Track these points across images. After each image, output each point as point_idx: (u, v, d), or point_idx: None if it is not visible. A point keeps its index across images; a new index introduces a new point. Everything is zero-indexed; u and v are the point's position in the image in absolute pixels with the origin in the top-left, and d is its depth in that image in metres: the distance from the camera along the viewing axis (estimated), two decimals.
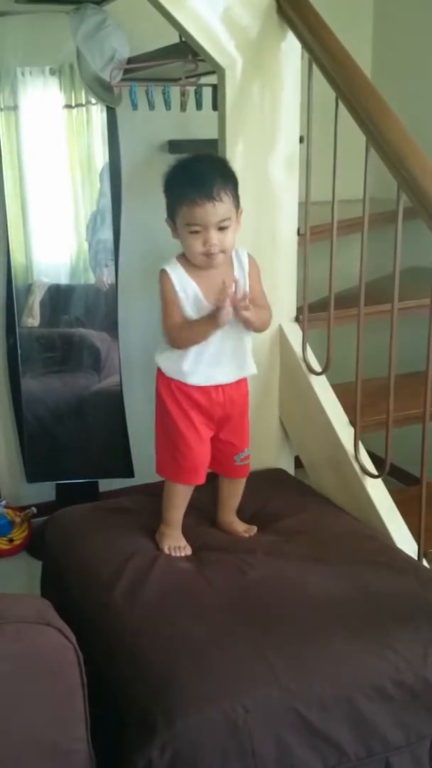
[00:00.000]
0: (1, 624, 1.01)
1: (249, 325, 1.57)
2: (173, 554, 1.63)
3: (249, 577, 1.53)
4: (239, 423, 1.70)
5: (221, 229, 1.50)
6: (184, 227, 1.51)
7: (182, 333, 1.57)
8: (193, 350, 1.58)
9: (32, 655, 1.03)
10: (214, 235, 1.50)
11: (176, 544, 1.64)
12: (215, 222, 1.49)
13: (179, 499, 1.67)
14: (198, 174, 1.51)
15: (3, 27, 2.37)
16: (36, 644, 1.03)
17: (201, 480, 1.67)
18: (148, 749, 1.17)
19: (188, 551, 1.64)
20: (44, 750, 1.07)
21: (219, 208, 1.48)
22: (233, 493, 1.76)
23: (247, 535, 1.72)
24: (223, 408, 1.64)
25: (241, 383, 1.68)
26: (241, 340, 1.63)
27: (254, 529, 1.75)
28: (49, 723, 1.07)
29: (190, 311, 1.58)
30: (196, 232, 1.50)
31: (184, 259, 1.58)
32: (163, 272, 1.58)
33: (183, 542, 1.65)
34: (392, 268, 1.64)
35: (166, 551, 1.63)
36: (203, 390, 1.61)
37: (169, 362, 1.62)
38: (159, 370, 1.65)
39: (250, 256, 1.64)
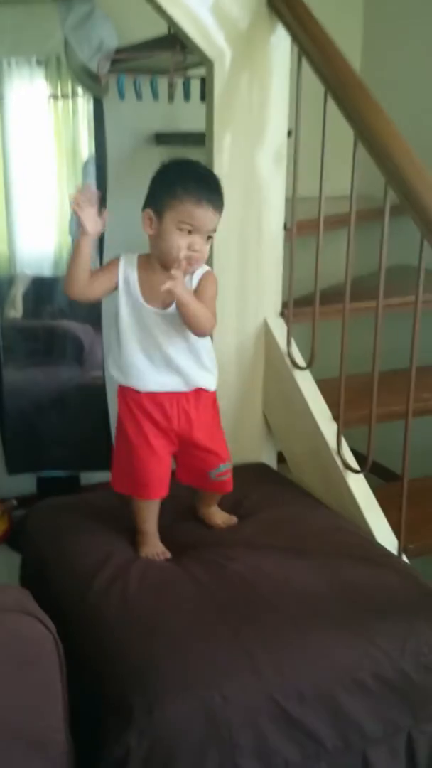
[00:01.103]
0: None
1: (180, 305, 1.47)
2: (151, 558, 1.60)
3: (229, 569, 1.53)
4: (210, 438, 1.63)
5: (207, 238, 1.49)
6: (174, 223, 1.47)
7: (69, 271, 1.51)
8: (131, 353, 1.55)
9: (11, 643, 1.03)
10: (201, 241, 1.48)
11: (154, 551, 1.61)
12: (207, 230, 1.48)
13: (146, 512, 1.63)
14: (210, 178, 1.52)
15: None
16: (15, 633, 1.03)
17: (158, 495, 1.62)
18: (125, 737, 1.16)
19: (167, 556, 1.61)
20: (22, 739, 1.07)
21: (215, 218, 1.48)
22: (211, 497, 1.74)
23: (224, 526, 1.71)
24: (180, 424, 1.58)
25: (202, 397, 1.60)
26: (185, 347, 1.55)
27: (234, 519, 1.74)
28: (28, 712, 1.06)
29: (125, 307, 1.54)
30: (186, 231, 1.47)
31: (145, 258, 1.55)
32: (117, 257, 1.56)
33: (161, 548, 1.62)
34: (378, 264, 1.64)
35: (143, 557, 1.60)
36: (156, 402, 1.56)
37: (114, 366, 1.59)
38: (118, 385, 1.61)
39: (210, 273, 1.57)
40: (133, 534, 1.66)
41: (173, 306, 1.51)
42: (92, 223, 1.47)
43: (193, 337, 1.54)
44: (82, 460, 2.70)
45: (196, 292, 1.52)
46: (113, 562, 1.55)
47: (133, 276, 1.54)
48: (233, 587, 1.47)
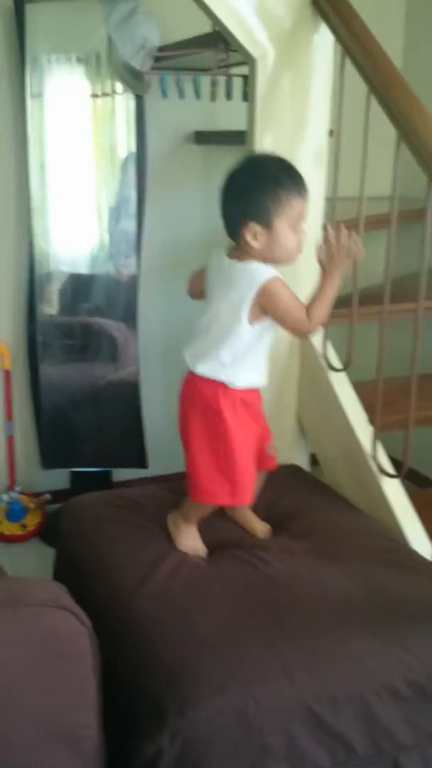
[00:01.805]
0: (19, 607, 1.00)
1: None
2: (188, 551, 1.60)
3: (262, 572, 1.52)
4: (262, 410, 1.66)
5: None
6: (289, 226, 1.45)
7: (314, 314, 1.50)
8: (262, 349, 1.55)
9: (48, 639, 1.03)
10: (302, 232, 1.50)
11: (193, 546, 1.60)
12: (302, 218, 1.49)
13: (207, 512, 1.63)
14: (293, 168, 1.49)
15: (33, 13, 2.37)
16: (52, 628, 1.03)
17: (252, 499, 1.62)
18: (158, 737, 1.17)
19: (203, 554, 1.60)
20: (55, 734, 1.07)
21: (306, 205, 1.50)
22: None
23: (262, 536, 1.69)
24: (259, 409, 1.62)
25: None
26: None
27: (268, 529, 1.71)
28: (62, 707, 1.07)
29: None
30: (295, 228, 1.47)
31: (256, 260, 1.50)
32: (277, 278, 1.48)
33: (200, 545, 1.61)
34: (418, 266, 1.62)
35: (180, 549, 1.60)
36: (255, 395, 1.59)
37: (244, 372, 1.53)
38: (215, 385, 1.52)
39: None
40: (165, 531, 1.66)
41: None
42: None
43: None
44: (114, 457, 2.72)
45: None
46: (146, 558, 1.55)
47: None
48: (267, 590, 1.46)
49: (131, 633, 1.37)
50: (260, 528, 1.71)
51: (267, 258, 1.49)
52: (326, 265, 1.50)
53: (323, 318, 1.52)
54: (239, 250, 1.50)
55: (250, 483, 1.58)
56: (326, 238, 1.49)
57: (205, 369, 1.53)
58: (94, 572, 1.59)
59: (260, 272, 1.47)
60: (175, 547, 1.60)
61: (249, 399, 1.57)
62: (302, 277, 1.94)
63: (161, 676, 1.25)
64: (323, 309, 1.51)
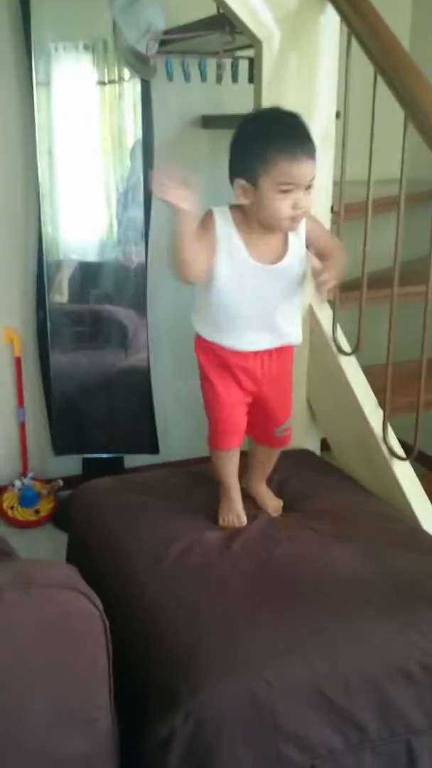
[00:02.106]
0: (31, 588, 1.01)
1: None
2: (229, 525, 1.62)
3: (274, 553, 1.52)
4: (281, 393, 1.64)
5: (308, 189, 1.39)
6: (274, 187, 1.36)
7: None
8: (225, 312, 1.51)
9: (60, 619, 1.04)
10: (305, 197, 1.38)
11: (232, 516, 1.63)
12: (307, 181, 1.38)
13: (223, 464, 1.63)
14: (297, 125, 1.39)
15: (39, 1, 2.36)
16: (64, 609, 1.04)
17: (233, 444, 1.63)
18: (171, 719, 1.17)
19: (243, 522, 1.62)
20: (68, 715, 1.09)
21: (313, 168, 1.38)
22: (265, 461, 1.73)
23: (275, 514, 1.70)
24: (263, 376, 1.58)
25: (282, 351, 1.60)
26: (287, 302, 1.53)
27: (281, 505, 1.73)
28: (75, 688, 1.08)
29: (225, 266, 1.46)
30: (287, 191, 1.36)
31: (239, 212, 1.45)
32: (209, 212, 1.43)
33: (238, 510, 1.63)
34: (428, 249, 1.61)
35: (221, 523, 1.62)
36: (240, 358, 1.56)
37: (203, 324, 1.57)
38: (197, 335, 1.59)
39: (307, 219, 1.49)
40: (175, 515, 1.67)
41: (285, 260, 1.48)
42: (185, 201, 1.32)
43: (297, 292, 1.53)
44: (126, 443, 2.73)
45: (310, 237, 1.49)
46: (157, 542, 1.56)
47: (234, 233, 1.45)
48: (279, 572, 1.46)
49: (143, 617, 1.38)
50: (272, 504, 1.72)
51: (258, 219, 1.43)
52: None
53: (173, 260, 1.42)
54: (236, 205, 1.45)
55: (224, 432, 1.61)
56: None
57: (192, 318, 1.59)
58: (105, 557, 1.60)
59: (212, 208, 1.45)
60: (187, 530, 1.61)
61: (228, 357, 1.55)
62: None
63: (173, 659, 1.25)
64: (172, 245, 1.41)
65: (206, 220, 1.45)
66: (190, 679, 1.20)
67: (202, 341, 1.58)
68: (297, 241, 1.50)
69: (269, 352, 1.57)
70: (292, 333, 1.59)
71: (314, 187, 1.43)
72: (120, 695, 1.18)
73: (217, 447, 1.64)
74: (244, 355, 1.56)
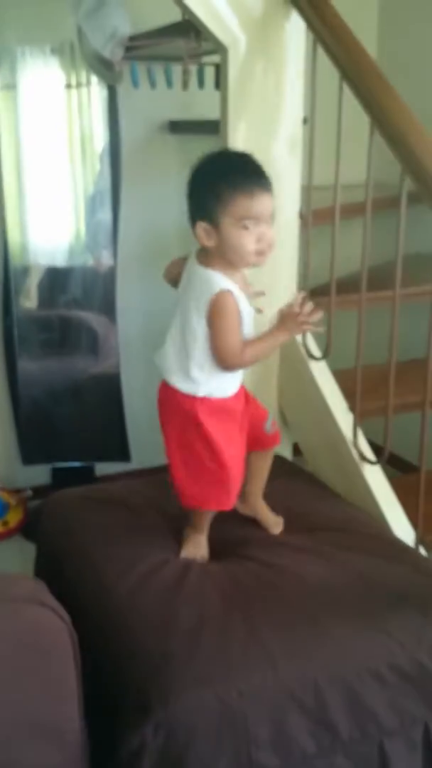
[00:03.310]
0: None
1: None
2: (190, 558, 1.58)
3: (244, 563, 1.52)
4: (251, 395, 1.63)
5: (268, 225, 1.40)
6: (235, 223, 1.37)
7: (248, 352, 1.44)
8: None
9: (27, 634, 1.03)
10: (267, 229, 1.39)
11: (197, 553, 1.58)
12: (267, 215, 1.39)
13: (207, 518, 1.60)
14: (252, 164, 1.41)
15: (4, 4, 2.34)
16: (30, 624, 1.03)
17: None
18: (141, 729, 1.16)
19: (204, 559, 1.57)
20: (38, 729, 1.07)
21: (269, 200, 1.39)
22: (261, 469, 1.68)
23: (277, 530, 1.66)
24: (244, 403, 1.58)
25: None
26: None
27: (281, 521, 1.68)
28: (44, 702, 1.07)
29: (246, 327, 1.46)
30: (247, 228, 1.37)
31: (219, 265, 1.43)
32: (227, 293, 1.41)
33: (203, 551, 1.59)
34: (395, 253, 1.62)
35: (183, 555, 1.57)
36: (237, 394, 1.54)
37: (212, 383, 1.47)
38: (191, 397, 1.48)
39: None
40: (147, 524, 1.66)
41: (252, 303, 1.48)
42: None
43: None
44: (96, 451, 2.71)
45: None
46: (127, 553, 1.55)
47: (240, 294, 1.45)
48: (248, 581, 1.46)
49: (113, 627, 1.37)
50: (274, 520, 1.68)
51: (225, 259, 1.42)
52: (279, 322, 1.46)
53: (252, 361, 1.46)
54: (204, 252, 1.45)
55: (236, 489, 1.56)
56: (292, 303, 1.46)
57: (179, 383, 1.48)
58: (75, 568, 1.59)
59: (215, 282, 1.41)
60: (158, 540, 1.60)
61: (230, 405, 1.52)
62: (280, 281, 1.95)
63: (144, 668, 1.25)
64: (258, 353, 1.45)
65: (231, 302, 1.42)
66: (161, 690, 1.20)
67: (208, 403, 1.48)
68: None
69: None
70: None
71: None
72: (91, 707, 1.17)
73: (220, 509, 1.57)
74: (238, 393, 1.54)
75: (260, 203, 1.38)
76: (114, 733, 1.22)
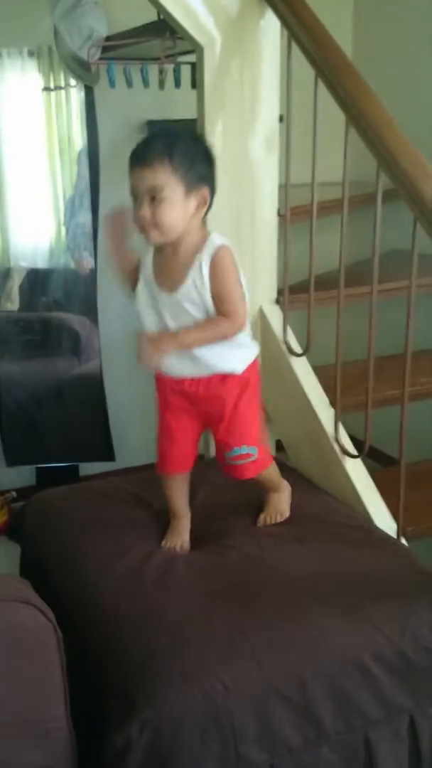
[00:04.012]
0: None
1: (187, 348, 1.46)
2: (171, 548, 1.59)
3: (228, 557, 1.53)
4: (231, 420, 1.55)
5: (155, 200, 1.36)
6: (132, 194, 1.40)
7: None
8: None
9: (12, 633, 1.03)
10: (145, 207, 1.37)
11: (174, 542, 1.59)
12: (144, 190, 1.36)
13: (166, 489, 1.62)
14: (142, 141, 1.41)
15: None
16: (16, 622, 1.03)
17: (163, 470, 1.62)
18: (127, 727, 1.17)
19: (184, 550, 1.58)
20: (24, 728, 1.08)
21: (149, 175, 1.36)
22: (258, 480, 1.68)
23: (261, 523, 1.67)
24: (205, 403, 1.54)
25: (225, 380, 1.53)
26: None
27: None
28: (29, 701, 1.07)
29: (141, 290, 1.50)
30: (136, 202, 1.38)
31: None
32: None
33: (182, 540, 1.59)
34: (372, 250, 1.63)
35: (164, 544, 1.59)
36: (178, 384, 1.53)
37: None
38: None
39: (221, 251, 1.43)
40: (130, 523, 1.66)
41: (182, 289, 1.43)
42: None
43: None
44: (80, 451, 2.71)
45: (212, 280, 1.42)
46: (110, 550, 1.55)
47: (149, 258, 1.50)
48: (232, 575, 1.47)
49: (98, 625, 1.37)
50: (267, 516, 1.69)
51: None
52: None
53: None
54: None
55: (158, 457, 1.62)
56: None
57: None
58: (59, 567, 1.59)
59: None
60: (141, 538, 1.60)
61: (165, 384, 1.56)
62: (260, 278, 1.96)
63: (129, 666, 1.25)
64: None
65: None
66: (146, 687, 1.20)
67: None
68: (198, 272, 1.43)
69: (210, 381, 1.52)
70: (220, 364, 1.51)
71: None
72: (77, 705, 1.17)
73: (156, 472, 1.64)
74: (180, 381, 1.53)
75: (134, 179, 1.38)
76: (101, 731, 1.23)
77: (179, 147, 1.38)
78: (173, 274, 1.45)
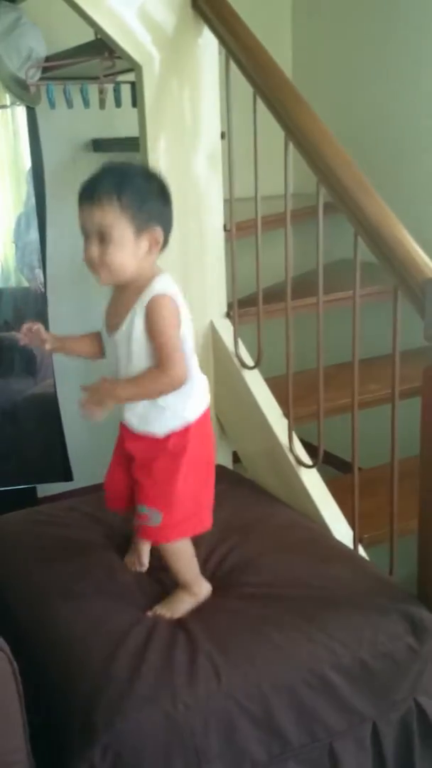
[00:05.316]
0: None
1: (125, 401, 1.40)
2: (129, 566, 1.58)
3: None
4: (140, 476, 1.45)
5: (104, 240, 1.30)
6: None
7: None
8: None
9: None
10: (93, 246, 1.30)
11: (134, 559, 1.58)
12: (93, 229, 1.30)
13: None
14: (91, 177, 1.34)
15: None
16: None
17: (109, 504, 1.58)
18: (89, 753, 1.16)
19: (142, 569, 1.57)
20: None
21: (97, 214, 1.29)
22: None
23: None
24: (131, 451, 1.47)
25: (148, 443, 1.43)
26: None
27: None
28: None
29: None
30: (85, 240, 1.32)
31: None
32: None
33: (141, 560, 1.57)
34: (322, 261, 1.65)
35: (125, 560, 1.58)
36: (122, 429, 1.50)
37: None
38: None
39: (156, 299, 1.33)
40: (88, 544, 1.65)
41: (119, 331, 1.37)
42: (45, 344, 1.45)
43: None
44: (37, 473, 2.67)
45: (147, 323, 1.33)
46: (67, 575, 1.54)
47: (108, 297, 1.45)
48: None
49: (56, 651, 1.36)
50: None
51: None
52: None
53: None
54: None
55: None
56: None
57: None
58: (15, 594, 1.56)
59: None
60: (100, 562, 1.59)
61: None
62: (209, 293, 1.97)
63: (87, 690, 1.24)
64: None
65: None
66: (106, 711, 1.19)
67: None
68: (132, 317, 1.36)
69: (136, 436, 1.44)
70: (140, 425, 1.42)
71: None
72: (37, 734, 1.16)
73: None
74: (123, 424, 1.48)
75: (83, 216, 1.32)
76: (63, 760, 1.21)
77: (129, 185, 1.31)
78: (117, 315, 1.39)
